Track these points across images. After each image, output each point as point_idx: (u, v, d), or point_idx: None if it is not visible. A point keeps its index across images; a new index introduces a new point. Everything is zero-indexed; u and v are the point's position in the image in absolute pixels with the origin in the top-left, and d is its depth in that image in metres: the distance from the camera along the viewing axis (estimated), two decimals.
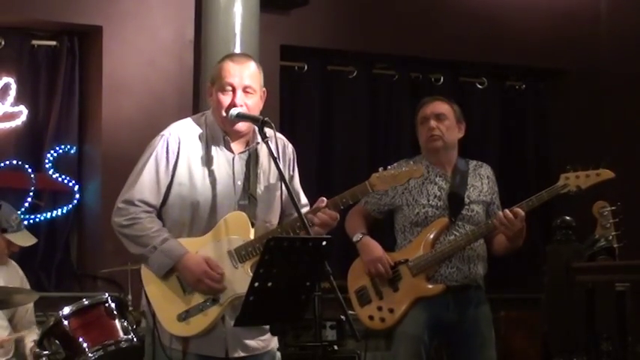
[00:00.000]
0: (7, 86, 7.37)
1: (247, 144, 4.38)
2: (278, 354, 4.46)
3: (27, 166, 7.42)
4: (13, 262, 6.09)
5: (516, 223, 5.16)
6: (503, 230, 5.20)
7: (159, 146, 4.30)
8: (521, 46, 8.74)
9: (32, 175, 7.43)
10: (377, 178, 4.37)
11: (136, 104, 7.52)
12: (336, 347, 7.03)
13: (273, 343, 4.42)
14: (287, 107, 8.19)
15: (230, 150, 4.34)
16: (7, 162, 7.37)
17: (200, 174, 4.29)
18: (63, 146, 7.54)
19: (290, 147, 4.49)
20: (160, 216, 4.32)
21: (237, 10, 7.31)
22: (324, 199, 4.30)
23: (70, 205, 7.55)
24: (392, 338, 5.44)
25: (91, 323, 5.00)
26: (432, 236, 5.30)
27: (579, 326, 4.55)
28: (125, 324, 5.02)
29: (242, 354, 4.30)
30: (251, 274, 3.92)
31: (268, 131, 4.20)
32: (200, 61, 7.46)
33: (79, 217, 7.68)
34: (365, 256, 5.38)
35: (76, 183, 7.57)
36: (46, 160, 7.48)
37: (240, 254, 4.23)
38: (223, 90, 4.31)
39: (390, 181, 4.39)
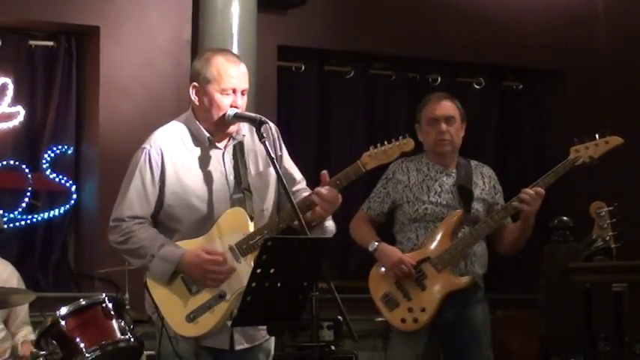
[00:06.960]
0: (4, 86, 7.37)
1: (230, 137, 4.38)
2: (272, 342, 4.47)
3: (24, 166, 7.42)
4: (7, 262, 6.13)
5: (538, 200, 5.17)
6: (525, 208, 5.18)
7: (141, 160, 4.31)
8: (519, 46, 8.74)
9: (29, 176, 7.42)
10: (368, 156, 4.33)
11: (133, 104, 7.52)
12: (333, 347, 7.13)
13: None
14: (284, 107, 8.19)
15: (216, 147, 4.35)
16: (5, 162, 7.37)
17: (191, 178, 4.30)
18: (60, 146, 7.54)
19: (273, 127, 4.44)
20: (157, 226, 4.33)
21: (235, 10, 7.31)
22: (325, 172, 4.28)
23: (67, 206, 7.54)
24: (389, 338, 5.43)
25: (89, 323, 4.98)
26: (449, 230, 5.25)
27: (577, 327, 4.54)
28: (122, 324, 5.00)
29: (246, 345, 4.32)
30: None
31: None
32: None
33: (76, 218, 7.68)
34: (386, 261, 5.29)
35: (74, 183, 7.57)
36: (44, 161, 7.47)
37: (241, 248, 4.23)
38: (224, 92, 4.30)
39: (381, 157, 4.35)
